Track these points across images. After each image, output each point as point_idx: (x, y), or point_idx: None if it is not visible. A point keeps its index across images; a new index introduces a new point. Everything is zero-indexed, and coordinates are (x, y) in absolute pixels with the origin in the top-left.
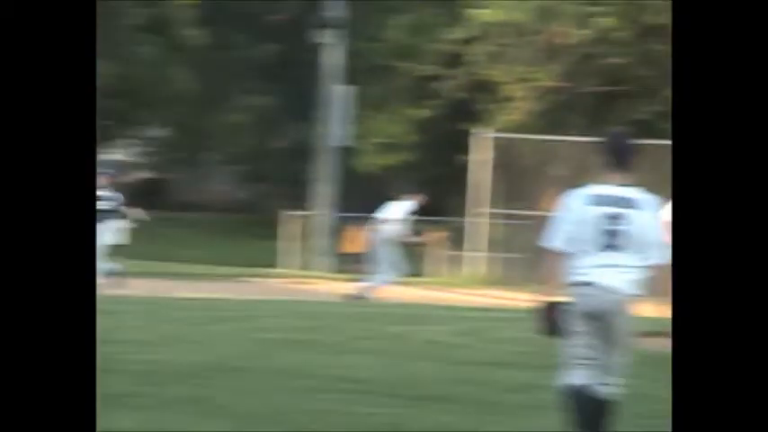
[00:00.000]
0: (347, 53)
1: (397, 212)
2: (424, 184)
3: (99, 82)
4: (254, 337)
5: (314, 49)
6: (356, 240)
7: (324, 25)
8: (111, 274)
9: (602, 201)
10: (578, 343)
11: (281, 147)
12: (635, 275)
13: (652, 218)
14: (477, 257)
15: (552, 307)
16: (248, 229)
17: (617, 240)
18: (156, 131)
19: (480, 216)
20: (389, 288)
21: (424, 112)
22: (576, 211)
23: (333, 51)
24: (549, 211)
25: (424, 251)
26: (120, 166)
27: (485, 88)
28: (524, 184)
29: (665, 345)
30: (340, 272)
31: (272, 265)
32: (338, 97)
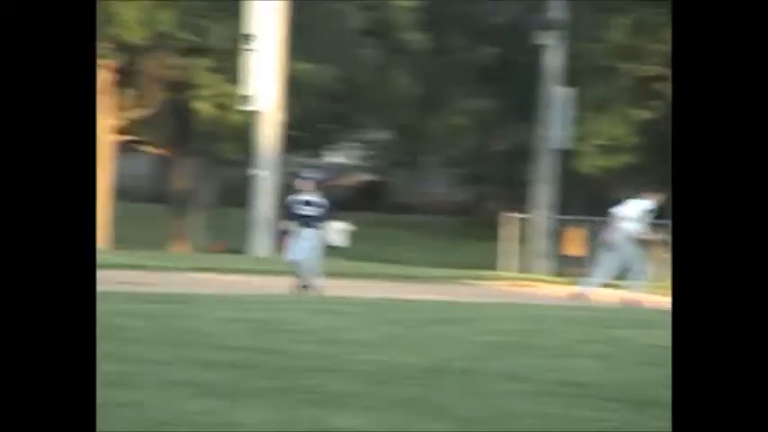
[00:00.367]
0: (568, 54)
1: (634, 210)
2: (645, 186)
3: (321, 84)
4: (475, 339)
5: (534, 51)
6: (577, 243)
7: (545, 27)
8: (309, 276)
9: None
10: None
11: (500, 149)
12: None
13: None
14: None
15: None
16: (467, 231)
17: None
18: (377, 134)
19: None
20: (612, 290)
21: (646, 114)
22: None
23: (553, 53)
24: None
25: (653, 253)
26: (337, 169)
27: None
28: None
29: None
30: (560, 274)
31: (492, 268)
32: (558, 99)
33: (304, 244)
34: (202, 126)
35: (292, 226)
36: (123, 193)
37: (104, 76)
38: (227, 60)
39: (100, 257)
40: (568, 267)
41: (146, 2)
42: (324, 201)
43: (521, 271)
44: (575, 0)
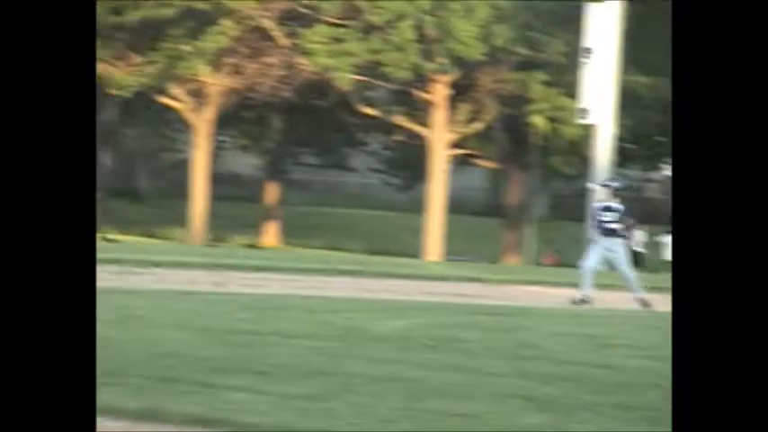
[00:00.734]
0: None
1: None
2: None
3: (655, 97)
4: None
5: None
6: None
7: None
8: (588, 285)
9: None
10: None
11: None
12: None
13: None
14: None
15: None
16: None
17: None
18: None
19: None
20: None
21: None
22: None
23: None
24: None
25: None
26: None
27: None
28: None
29: None
30: None
31: None
32: None
33: (601, 251)
34: (537, 140)
35: (594, 234)
36: (457, 206)
37: (440, 91)
38: (563, 74)
39: (435, 270)
40: None
41: (482, 17)
42: (621, 207)
43: None
44: None
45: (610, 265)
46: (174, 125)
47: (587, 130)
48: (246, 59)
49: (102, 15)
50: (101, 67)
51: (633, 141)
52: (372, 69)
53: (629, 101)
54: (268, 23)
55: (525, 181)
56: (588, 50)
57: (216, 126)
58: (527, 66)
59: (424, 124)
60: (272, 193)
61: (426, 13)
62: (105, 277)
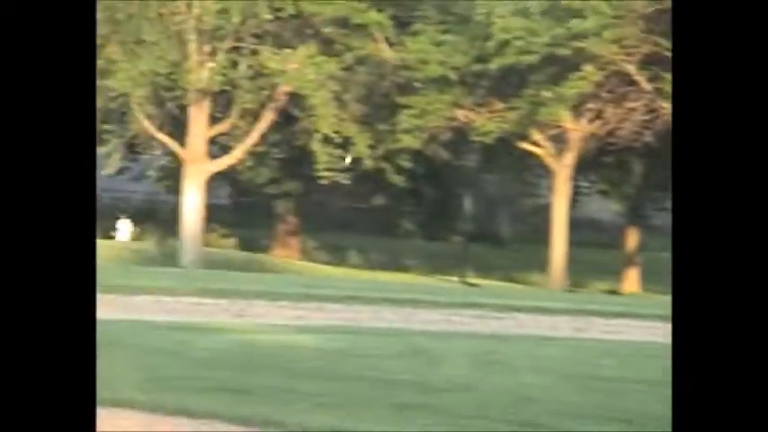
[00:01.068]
0: None
1: None
2: None
3: None
4: None
5: None
6: None
7: None
8: None
9: None
10: None
11: None
12: None
13: None
14: None
15: None
16: None
17: None
18: None
19: None
20: None
21: None
22: None
23: None
24: None
25: None
26: None
27: None
28: None
29: None
30: None
31: None
32: None
33: None
34: None
35: None
36: None
37: None
38: None
39: None
40: None
41: None
42: None
43: None
44: None
45: None
46: (535, 170)
47: None
48: (608, 104)
49: (466, 63)
50: (462, 114)
51: None
52: None
53: None
54: (630, 68)
55: None
56: None
57: (576, 171)
58: None
59: None
60: (632, 238)
61: None
62: (466, 321)
